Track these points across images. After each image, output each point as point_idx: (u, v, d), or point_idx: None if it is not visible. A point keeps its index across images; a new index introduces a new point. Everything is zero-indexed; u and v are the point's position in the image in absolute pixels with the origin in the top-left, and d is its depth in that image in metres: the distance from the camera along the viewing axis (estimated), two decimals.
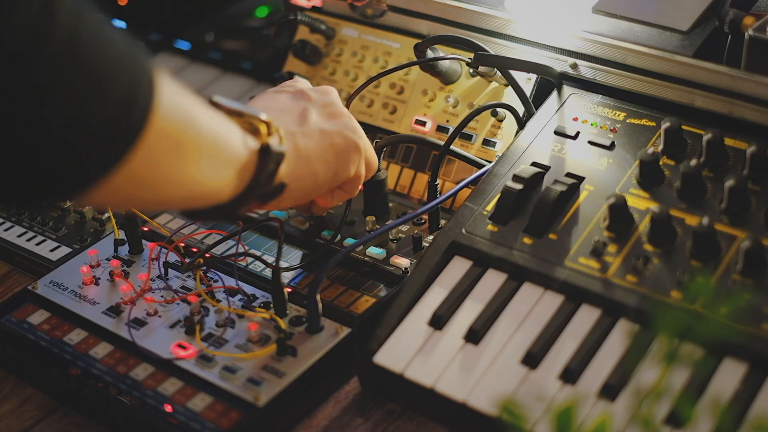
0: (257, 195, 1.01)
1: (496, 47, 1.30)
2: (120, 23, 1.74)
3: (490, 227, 1.13)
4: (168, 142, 0.90)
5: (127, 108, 0.85)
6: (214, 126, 0.96)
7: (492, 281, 1.10)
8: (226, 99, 1.02)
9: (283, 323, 1.11)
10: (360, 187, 1.18)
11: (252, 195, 1.01)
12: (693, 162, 1.11)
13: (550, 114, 1.23)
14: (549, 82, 1.27)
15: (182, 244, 1.23)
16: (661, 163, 1.13)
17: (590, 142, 1.18)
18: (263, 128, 1.01)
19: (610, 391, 0.98)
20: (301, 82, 1.16)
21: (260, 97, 1.14)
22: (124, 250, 1.25)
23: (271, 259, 1.21)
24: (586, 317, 1.05)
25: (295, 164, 1.06)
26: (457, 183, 1.24)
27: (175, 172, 0.92)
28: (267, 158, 1.00)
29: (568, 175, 1.15)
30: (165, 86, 0.89)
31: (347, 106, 1.27)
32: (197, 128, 0.93)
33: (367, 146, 1.16)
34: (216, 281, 1.18)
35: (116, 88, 0.84)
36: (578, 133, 1.20)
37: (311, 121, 1.09)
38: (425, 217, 1.25)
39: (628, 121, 1.19)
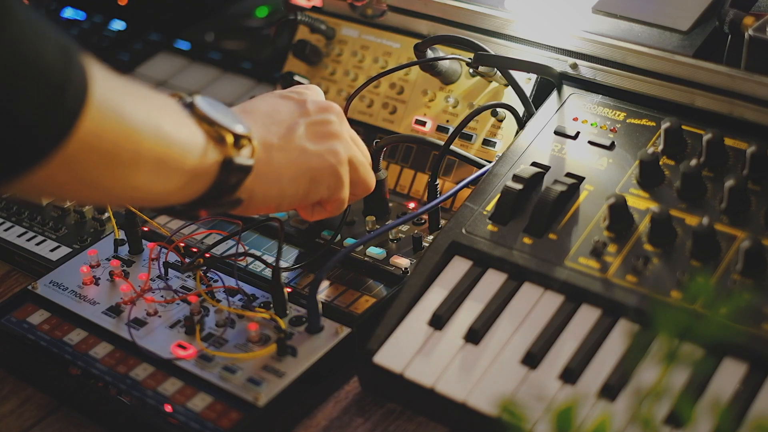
0: (215, 203, 1.01)
1: (496, 47, 1.30)
2: (120, 23, 1.75)
3: (490, 227, 1.13)
4: (98, 151, 0.89)
5: (52, 108, 0.84)
6: (166, 135, 0.94)
7: (492, 281, 1.10)
8: (205, 102, 1.00)
9: (283, 323, 1.11)
10: (344, 209, 1.15)
11: (206, 203, 1.00)
12: (693, 162, 1.11)
13: (550, 114, 1.23)
14: (549, 82, 1.27)
15: (182, 244, 1.23)
16: (661, 163, 1.13)
17: (590, 142, 1.18)
18: (230, 139, 0.99)
19: (610, 391, 0.98)
20: (311, 91, 1.14)
21: (263, 98, 1.12)
22: (124, 250, 1.25)
23: (270, 259, 1.21)
24: (586, 317, 1.05)
25: (263, 177, 1.04)
26: (457, 183, 1.24)
27: (106, 179, 0.92)
28: (228, 171, 0.99)
29: (568, 175, 1.15)
30: (102, 93, 0.87)
31: (347, 107, 1.27)
32: (138, 137, 0.91)
33: (360, 169, 1.13)
34: (216, 281, 1.18)
35: (41, 88, 0.83)
36: (578, 133, 1.20)
37: (296, 136, 1.07)
38: (425, 217, 1.25)
39: (628, 121, 1.19)
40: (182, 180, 0.97)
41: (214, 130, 0.99)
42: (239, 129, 1.00)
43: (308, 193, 1.09)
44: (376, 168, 1.24)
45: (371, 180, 1.17)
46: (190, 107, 0.99)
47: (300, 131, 1.08)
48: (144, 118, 0.93)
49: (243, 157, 1.00)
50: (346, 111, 1.27)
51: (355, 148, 1.13)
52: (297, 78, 1.42)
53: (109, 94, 0.89)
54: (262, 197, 1.06)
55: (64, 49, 0.86)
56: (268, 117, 1.08)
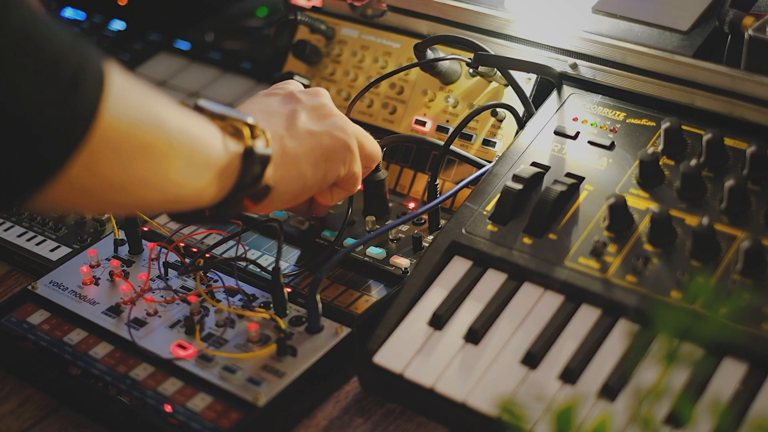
0: (243, 197, 1.01)
1: (496, 47, 1.30)
2: (120, 23, 1.75)
3: (490, 227, 1.13)
4: (132, 138, 0.88)
5: (72, 92, 0.82)
6: (189, 128, 0.95)
7: (492, 281, 1.10)
8: (211, 103, 1.01)
9: (283, 323, 1.11)
10: (360, 184, 1.17)
11: (238, 198, 1.01)
12: (693, 162, 1.11)
13: (550, 114, 1.23)
14: (549, 82, 1.27)
15: (182, 244, 1.23)
16: (661, 163, 1.13)
17: (590, 142, 1.18)
18: (246, 131, 1.00)
19: (610, 391, 0.98)
20: (292, 84, 1.16)
21: (250, 101, 1.13)
22: (124, 250, 1.25)
23: (270, 260, 1.21)
24: (586, 317, 1.05)
25: (282, 167, 1.05)
26: (457, 183, 1.24)
27: (143, 169, 0.91)
28: (251, 161, 1.00)
29: (568, 175, 1.15)
30: (121, 83, 0.87)
31: (349, 110, 1.27)
32: (166, 129, 0.92)
33: (365, 141, 1.16)
34: (216, 281, 1.18)
35: (57, 78, 0.82)
36: (578, 133, 1.20)
37: (299, 123, 1.09)
38: (425, 217, 1.25)
39: (628, 121, 1.19)
40: (210, 175, 0.97)
41: (228, 125, 1.00)
42: (250, 120, 1.01)
43: (326, 173, 1.10)
44: (376, 168, 1.24)
45: (376, 152, 1.19)
46: (199, 110, 1.00)
47: (302, 117, 1.10)
48: (167, 114, 0.93)
49: (261, 147, 1.01)
50: (348, 113, 1.28)
51: (353, 123, 1.15)
52: (297, 78, 1.42)
53: (129, 85, 0.89)
54: (285, 187, 1.06)
55: (75, 36, 0.85)
56: (265, 113, 1.09)
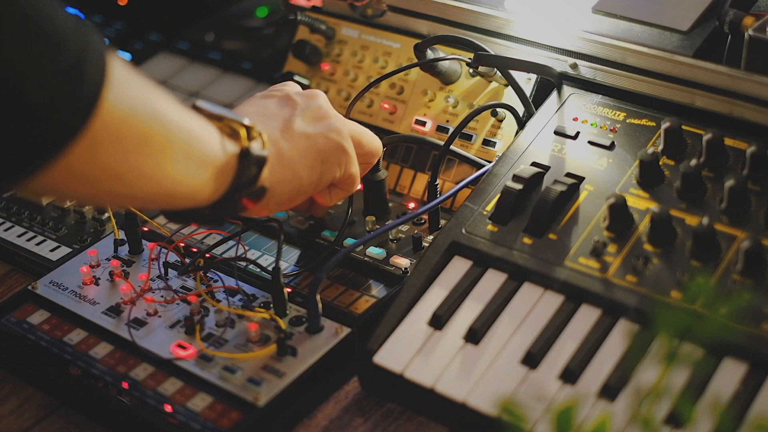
0: (240, 198, 1.01)
1: (496, 47, 1.30)
2: (120, 23, 1.75)
3: (490, 227, 1.13)
4: (131, 128, 0.88)
5: (75, 78, 0.82)
6: (187, 124, 0.95)
7: (492, 281, 1.10)
8: (208, 103, 1.02)
9: (283, 323, 1.11)
10: (359, 184, 1.17)
11: (233, 198, 1.01)
12: (693, 162, 1.11)
13: (550, 114, 1.23)
14: (549, 82, 1.27)
15: (182, 244, 1.23)
16: (661, 163, 1.13)
17: (590, 142, 1.18)
18: (243, 132, 1.01)
19: (610, 391, 0.98)
20: (289, 86, 1.16)
21: (247, 102, 1.14)
22: (124, 250, 1.25)
23: (270, 260, 1.21)
24: (586, 317, 1.05)
25: (278, 169, 1.06)
26: (457, 183, 1.24)
27: (140, 163, 0.91)
28: (247, 161, 1.00)
29: (568, 175, 1.15)
30: (122, 72, 0.87)
31: (349, 111, 1.27)
32: (165, 122, 0.92)
33: (362, 138, 1.16)
34: (216, 281, 1.18)
35: (60, 60, 0.81)
36: (578, 133, 1.20)
37: (295, 125, 1.09)
38: (425, 217, 1.25)
39: (628, 121, 1.19)
40: (207, 173, 0.97)
41: (225, 125, 1.00)
42: (247, 122, 1.02)
43: (322, 175, 1.11)
44: (376, 168, 1.24)
45: (378, 145, 1.19)
46: (196, 110, 1.00)
47: (297, 120, 1.10)
48: (166, 108, 0.93)
49: (257, 148, 1.01)
50: (348, 113, 1.28)
51: (350, 122, 1.16)
52: (297, 78, 1.42)
53: (129, 75, 0.89)
54: (281, 188, 1.07)
55: (79, 21, 0.84)
56: (261, 115, 1.09)
